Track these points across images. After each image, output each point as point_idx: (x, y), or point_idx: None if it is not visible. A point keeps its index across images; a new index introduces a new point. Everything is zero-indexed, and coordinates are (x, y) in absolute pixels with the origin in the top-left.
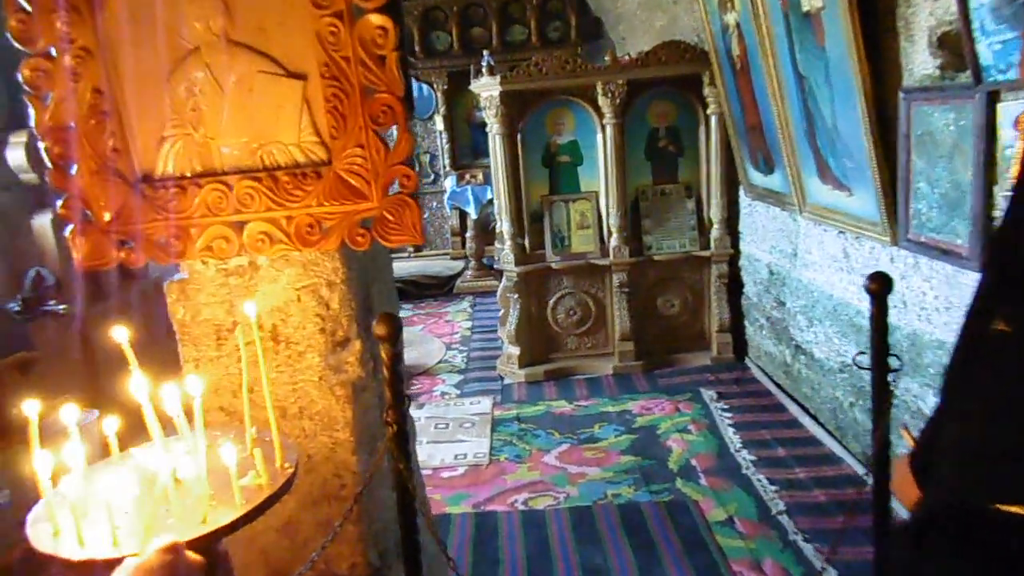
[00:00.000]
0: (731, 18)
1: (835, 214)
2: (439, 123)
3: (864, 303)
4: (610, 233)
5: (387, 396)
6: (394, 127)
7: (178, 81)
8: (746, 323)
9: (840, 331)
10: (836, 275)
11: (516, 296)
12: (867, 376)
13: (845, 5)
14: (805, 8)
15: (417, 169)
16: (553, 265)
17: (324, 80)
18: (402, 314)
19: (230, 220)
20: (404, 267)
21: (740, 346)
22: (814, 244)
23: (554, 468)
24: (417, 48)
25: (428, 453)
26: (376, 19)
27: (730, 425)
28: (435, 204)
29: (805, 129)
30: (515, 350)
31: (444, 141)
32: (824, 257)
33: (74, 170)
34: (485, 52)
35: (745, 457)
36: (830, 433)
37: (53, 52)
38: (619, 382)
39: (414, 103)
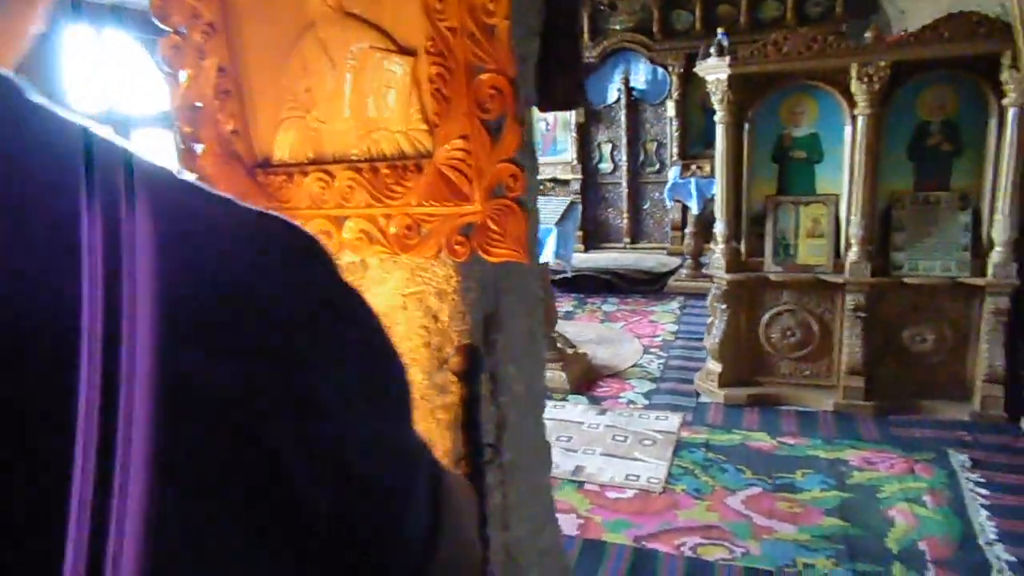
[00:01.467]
0: None
1: None
2: (671, 108)
3: None
4: (848, 245)
5: (459, 447)
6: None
7: (295, 59)
8: None
9: None
10: None
11: (724, 306)
12: None
13: None
14: None
15: (642, 157)
16: (772, 276)
17: (429, 56)
18: (606, 308)
19: (332, 214)
20: (615, 258)
21: (1016, 404)
22: None
23: (737, 514)
24: (655, 28)
25: (598, 467)
26: None
27: (984, 506)
28: (657, 195)
29: None
30: (716, 366)
31: (674, 128)
32: None
33: (199, 150)
34: (720, 31)
35: (999, 555)
36: None
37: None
38: (839, 422)
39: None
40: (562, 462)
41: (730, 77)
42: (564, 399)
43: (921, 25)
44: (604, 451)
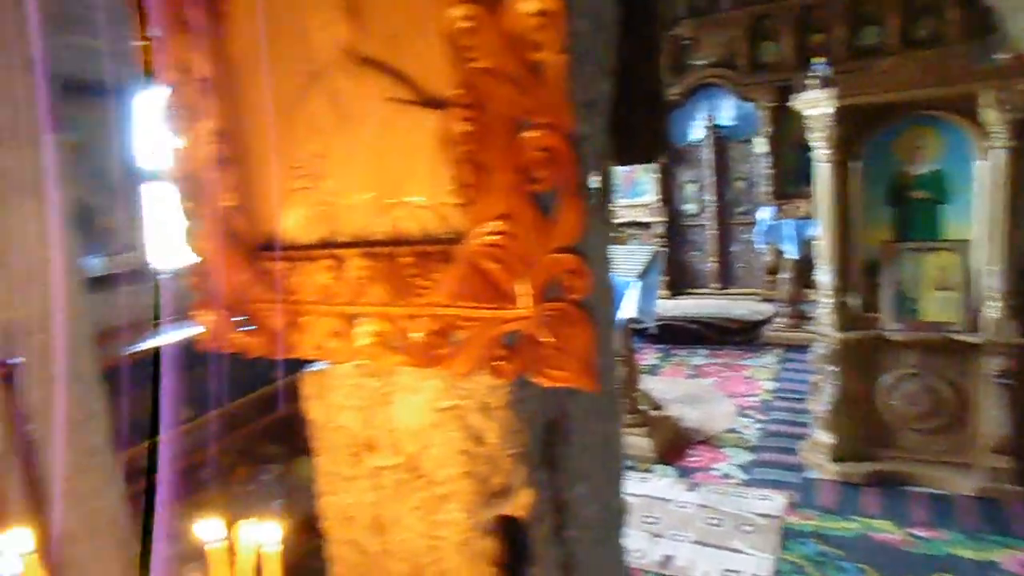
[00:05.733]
0: None
1: None
2: (759, 145)
3: None
4: (986, 299)
5: None
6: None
7: (302, 117)
8: None
9: None
10: None
11: (834, 368)
12: None
13: None
14: None
15: (730, 198)
16: (891, 336)
17: (458, 109)
18: (694, 361)
19: (346, 312)
20: (702, 305)
21: None
22: None
23: None
24: (741, 62)
25: (689, 558)
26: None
27: None
28: (746, 237)
29: None
30: (827, 437)
31: (764, 166)
32: None
33: (198, 229)
34: (820, 60)
35: None
36: None
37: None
38: (984, 511)
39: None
40: (647, 549)
41: (838, 110)
42: (648, 470)
43: None
44: (696, 537)
